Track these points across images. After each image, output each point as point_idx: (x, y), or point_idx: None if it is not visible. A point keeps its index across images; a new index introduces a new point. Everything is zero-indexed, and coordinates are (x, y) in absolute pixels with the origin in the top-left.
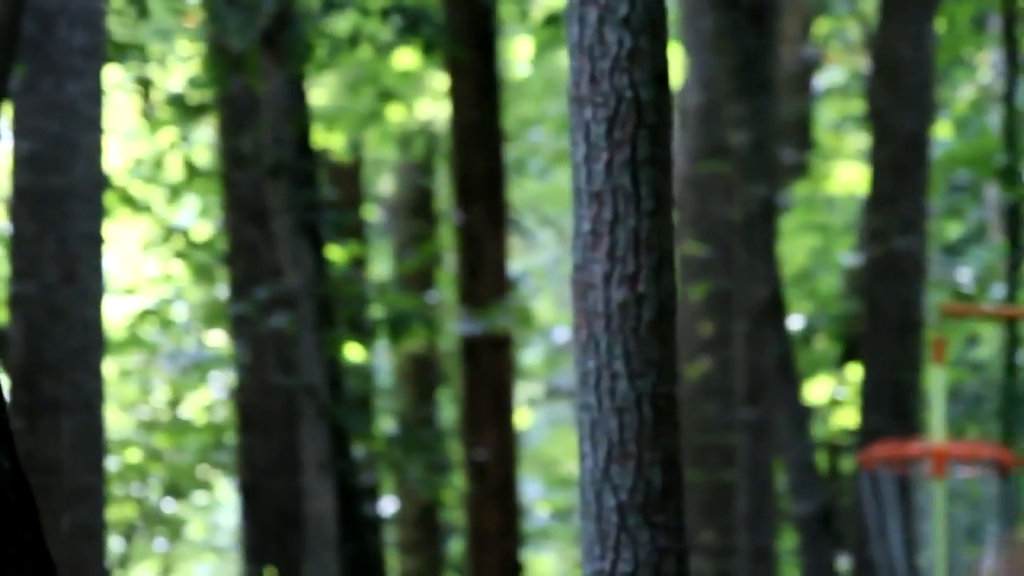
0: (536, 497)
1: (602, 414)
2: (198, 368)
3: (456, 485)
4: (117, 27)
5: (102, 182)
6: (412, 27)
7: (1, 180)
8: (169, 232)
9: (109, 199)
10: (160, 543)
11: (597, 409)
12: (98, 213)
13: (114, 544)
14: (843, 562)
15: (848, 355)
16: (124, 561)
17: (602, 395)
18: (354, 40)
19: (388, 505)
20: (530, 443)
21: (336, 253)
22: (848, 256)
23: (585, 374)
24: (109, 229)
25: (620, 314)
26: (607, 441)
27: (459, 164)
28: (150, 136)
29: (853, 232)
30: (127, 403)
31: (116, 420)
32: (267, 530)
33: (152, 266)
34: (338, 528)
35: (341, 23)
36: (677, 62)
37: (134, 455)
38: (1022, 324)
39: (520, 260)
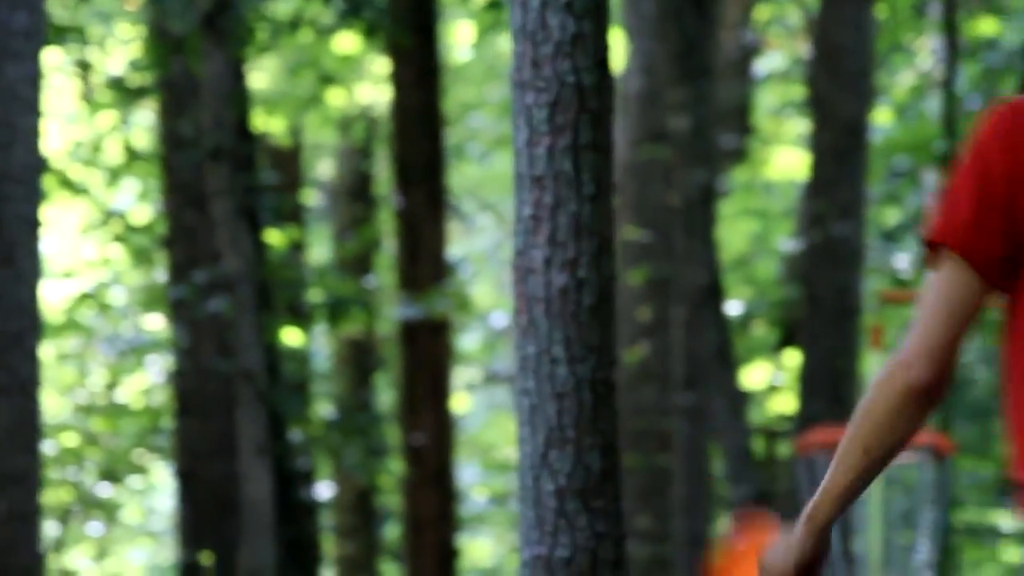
0: (473, 482)
1: (541, 399)
2: (135, 352)
3: (393, 470)
4: (58, 9)
5: (40, 165)
6: (354, 10)
7: None
8: (108, 215)
9: (47, 182)
10: (95, 527)
11: (536, 394)
12: (36, 196)
13: (49, 528)
14: None
15: (786, 341)
16: (59, 545)
17: (541, 380)
18: (295, 23)
19: (324, 489)
20: (468, 428)
21: (275, 237)
22: (787, 242)
23: (524, 359)
24: (47, 212)
25: (560, 299)
26: (546, 426)
27: (399, 149)
28: (89, 119)
29: (792, 218)
30: (64, 387)
31: (53, 404)
32: (203, 514)
33: (90, 249)
34: (274, 512)
35: (282, 6)
36: (619, 47)
37: (70, 439)
38: None
39: (459, 245)
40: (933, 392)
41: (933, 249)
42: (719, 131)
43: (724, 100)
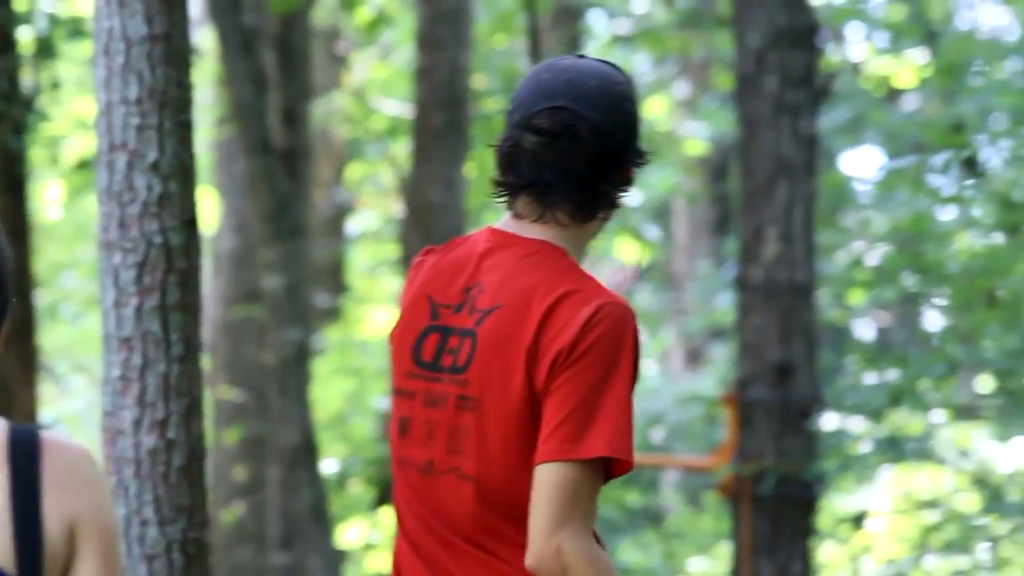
0: None
1: (131, 561)
2: None
3: None
4: None
5: None
6: None
7: None
8: None
9: None
10: None
11: (127, 556)
12: None
13: None
14: None
15: (382, 499)
16: None
17: (131, 542)
18: None
19: None
20: None
21: None
22: (381, 399)
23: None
24: None
25: (149, 460)
26: None
27: None
28: None
29: (385, 376)
30: None
31: None
32: None
33: None
34: None
35: None
36: (211, 207)
37: None
38: None
39: (53, 406)
40: None
41: None
42: (313, 290)
43: (318, 259)
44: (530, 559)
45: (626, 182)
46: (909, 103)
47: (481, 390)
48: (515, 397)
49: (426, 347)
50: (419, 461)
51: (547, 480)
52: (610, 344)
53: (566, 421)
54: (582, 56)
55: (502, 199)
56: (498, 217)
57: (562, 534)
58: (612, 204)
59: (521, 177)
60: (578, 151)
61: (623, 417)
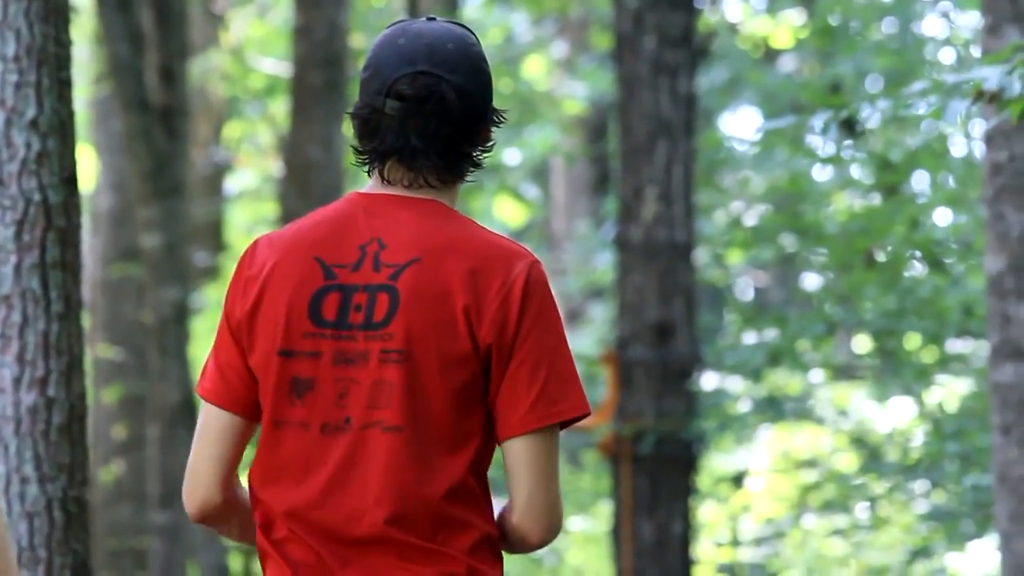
0: None
1: (12, 519)
2: None
3: None
4: None
5: None
6: None
7: None
8: None
9: None
10: None
11: (7, 514)
12: None
13: None
14: None
15: None
16: None
17: (12, 499)
18: None
19: None
20: None
21: None
22: None
23: None
24: None
25: (29, 418)
26: (17, 546)
27: None
28: None
29: None
30: None
31: None
32: None
33: None
34: None
35: None
36: (89, 165)
37: None
38: None
39: None
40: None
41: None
42: (192, 248)
43: (196, 217)
44: (540, 531)
45: (487, 142)
46: (786, 64)
47: (410, 342)
48: (455, 348)
49: (326, 306)
50: (326, 421)
51: (537, 448)
52: (549, 302)
53: (544, 388)
54: (432, 18)
55: (364, 166)
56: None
57: (559, 496)
58: (475, 164)
59: (386, 143)
60: (444, 115)
61: (576, 371)
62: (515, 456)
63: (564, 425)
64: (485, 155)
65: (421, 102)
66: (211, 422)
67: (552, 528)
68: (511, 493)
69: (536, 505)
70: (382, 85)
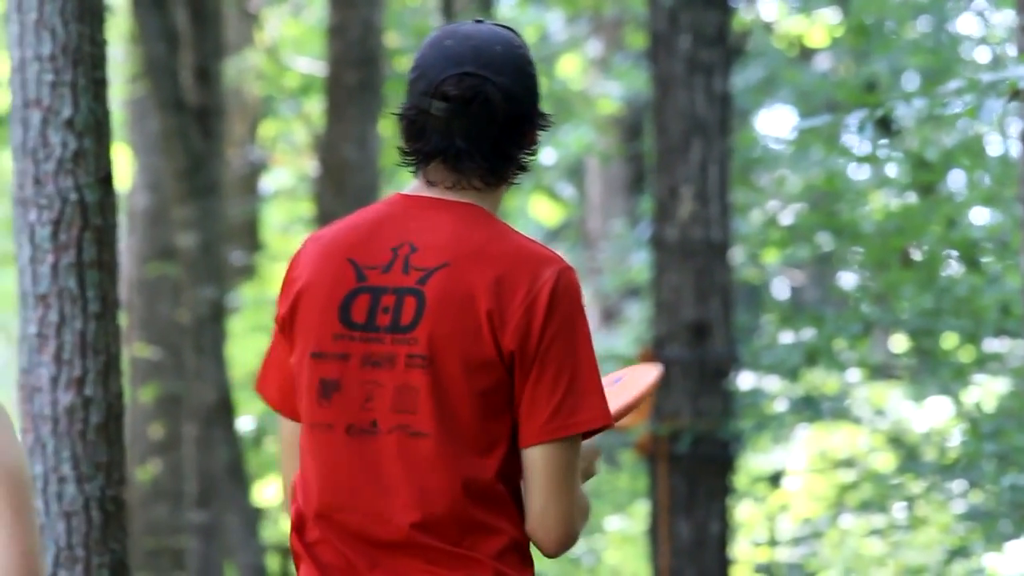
0: None
1: (50, 518)
2: None
3: None
4: None
5: None
6: None
7: None
8: None
9: None
10: None
11: (44, 513)
12: None
13: None
14: None
15: None
16: None
17: (49, 499)
18: None
19: None
20: None
21: None
22: None
23: (33, 478)
24: None
25: (67, 417)
26: (55, 545)
27: None
28: None
29: None
30: None
31: None
32: None
33: None
34: None
35: None
36: (125, 164)
37: None
38: None
39: None
40: None
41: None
42: (228, 248)
43: (232, 216)
44: (551, 543)
45: (532, 145)
46: (821, 63)
47: (433, 348)
48: (480, 354)
49: (356, 308)
50: (352, 423)
51: (554, 458)
52: (577, 310)
53: (565, 399)
54: (480, 21)
55: (409, 167)
56: (411, 178)
57: (575, 507)
58: (520, 168)
59: (431, 144)
60: (489, 117)
61: (600, 381)
62: (532, 465)
63: (586, 436)
64: (530, 158)
65: (467, 103)
66: (284, 434)
67: (563, 541)
68: (526, 501)
69: (549, 516)
70: (428, 86)
